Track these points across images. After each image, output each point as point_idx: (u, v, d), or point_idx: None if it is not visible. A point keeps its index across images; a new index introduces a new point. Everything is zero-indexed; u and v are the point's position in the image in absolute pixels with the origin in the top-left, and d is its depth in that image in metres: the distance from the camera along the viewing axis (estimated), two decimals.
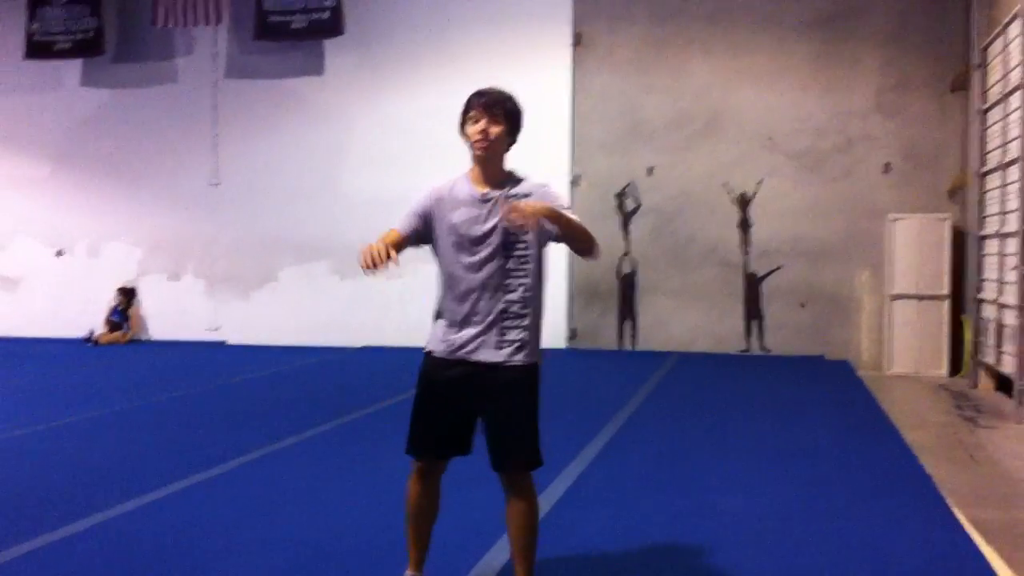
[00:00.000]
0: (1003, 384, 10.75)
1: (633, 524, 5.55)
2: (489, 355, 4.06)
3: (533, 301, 4.12)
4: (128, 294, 15.84)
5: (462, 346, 4.09)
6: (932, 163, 13.22)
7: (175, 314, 15.80)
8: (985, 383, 11.37)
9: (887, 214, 12.91)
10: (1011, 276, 10.08)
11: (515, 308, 4.07)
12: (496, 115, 4.07)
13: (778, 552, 5.08)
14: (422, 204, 4.18)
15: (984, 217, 11.72)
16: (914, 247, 12.71)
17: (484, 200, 4.05)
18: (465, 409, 4.16)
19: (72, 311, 15.93)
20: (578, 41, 14.21)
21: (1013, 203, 10.17)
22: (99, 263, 16.16)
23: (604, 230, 14.05)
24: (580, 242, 4.09)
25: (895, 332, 12.71)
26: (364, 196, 14.36)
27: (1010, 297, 10.13)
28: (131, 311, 15.81)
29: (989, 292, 11.29)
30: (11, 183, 16.41)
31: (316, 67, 15.24)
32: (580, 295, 14.25)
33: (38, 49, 15.71)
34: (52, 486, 6.43)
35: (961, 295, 12.49)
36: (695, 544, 5.21)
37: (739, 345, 13.75)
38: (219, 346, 15.20)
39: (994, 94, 11.35)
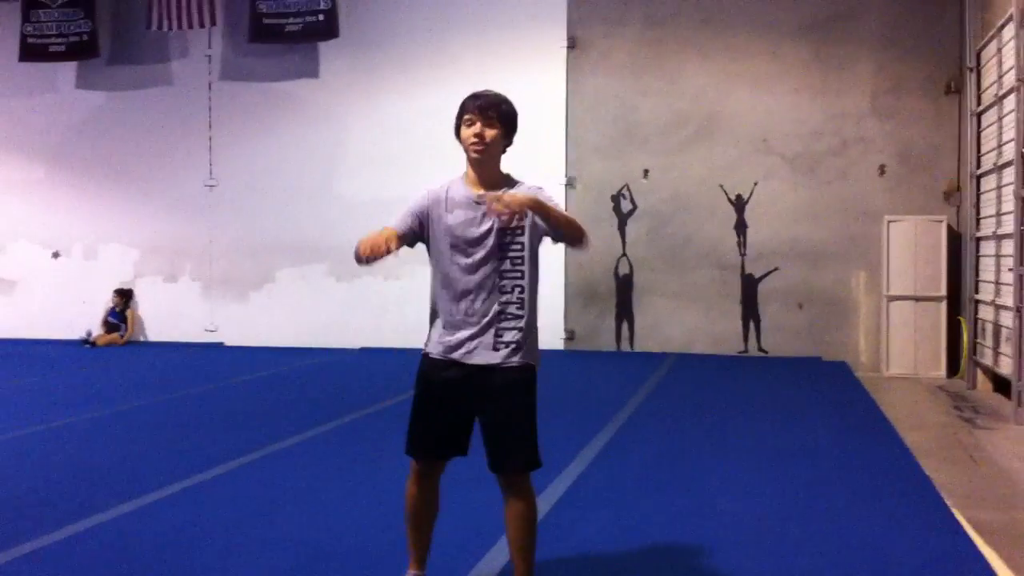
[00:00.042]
0: (1001, 385, 10.77)
1: (632, 525, 5.55)
2: (486, 357, 4.07)
3: (528, 302, 4.13)
4: (125, 296, 15.83)
5: (459, 348, 4.10)
6: (927, 165, 13.25)
7: (172, 316, 15.80)
8: (983, 384, 11.40)
9: (883, 216, 12.93)
10: (1008, 277, 10.10)
11: (511, 309, 4.08)
12: (491, 118, 4.08)
13: (777, 553, 5.09)
14: (419, 204, 4.19)
15: (980, 219, 11.75)
16: (910, 249, 12.73)
17: (480, 202, 4.05)
18: (463, 410, 4.17)
19: (69, 313, 15.93)
20: (573, 44, 14.21)
21: (1009, 205, 10.20)
22: (95, 265, 16.15)
23: (600, 232, 14.08)
24: (569, 232, 4.06)
25: (892, 333, 12.74)
26: (360, 198, 14.38)
27: (1007, 298, 10.15)
28: (128, 313, 15.79)
29: (986, 293, 11.31)
30: (7, 186, 16.39)
31: (311, 69, 15.24)
32: (577, 296, 14.26)
33: (33, 52, 15.68)
34: (51, 487, 6.42)
35: (958, 296, 12.51)
36: (694, 545, 5.21)
37: (737, 346, 13.76)
38: (217, 347, 15.19)
39: (989, 96, 11.38)
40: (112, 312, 15.78)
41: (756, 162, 13.71)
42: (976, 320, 11.72)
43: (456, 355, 4.10)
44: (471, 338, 4.08)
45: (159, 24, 14.95)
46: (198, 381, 11.56)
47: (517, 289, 4.09)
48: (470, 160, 4.14)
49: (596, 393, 10.70)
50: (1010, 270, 9.83)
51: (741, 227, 13.76)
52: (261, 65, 15.34)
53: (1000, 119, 10.77)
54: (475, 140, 4.06)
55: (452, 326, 4.12)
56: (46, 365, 13.26)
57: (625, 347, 14.13)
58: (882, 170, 13.34)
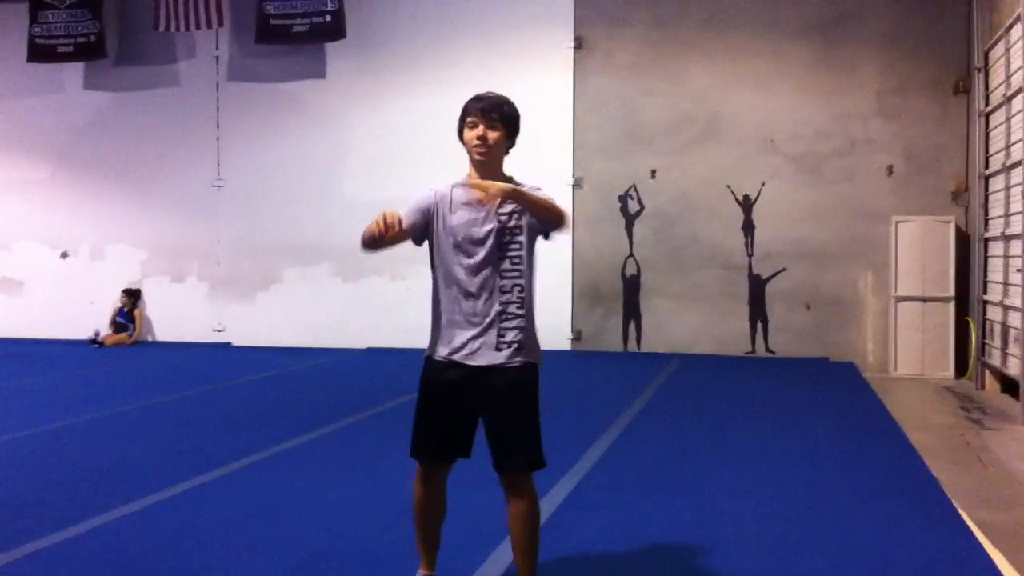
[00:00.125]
0: (1009, 386, 10.73)
1: (635, 525, 5.53)
2: (489, 357, 4.07)
3: (527, 300, 4.14)
4: (133, 296, 15.87)
5: (462, 349, 4.09)
6: (935, 166, 13.20)
7: (179, 316, 15.82)
8: (991, 385, 11.35)
9: (890, 216, 12.88)
10: (1016, 278, 10.06)
11: (511, 308, 4.09)
12: (494, 120, 4.08)
13: (781, 553, 5.06)
14: (425, 201, 4.18)
15: (988, 219, 11.71)
16: (918, 249, 12.69)
17: (482, 203, 4.04)
18: (466, 411, 4.17)
19: (76, 313, 15.97)
20: (579, 45, 14.19)
21: (1017, 205, 10.16)
22: (102, 265, 16.19)
23: (607, 232, 14.09)
24: (549, 215, 4.02)
25: (900, 334, 12.69)
26: (365, 199, 14.34)
27: (1015, 299, 10.10)
28: (136, 313, 15.82)
29: (994, 294, 11.27)
30: (14, 186, 16.43)
31: (318, 70, 15.24)
32: (584, 297, 14.24)
33: (40, 52, 15.72)
34: (53, 487, 6.42)
35: (966, 297, 12.46)
36: (697, 545, 5.19)
37: (743, 347, 13.73)
38: (224, 347, 15.21)
39: (996, 97, 11.35)
40: (120, 312, 15.81)
41: (762, 163, 13.68)
42: (984, 321, 11.67)
43: (459, 356, 4.10)
44: (474, 338, 4.08)
45: (166, 25, 14.96)
46: (203, 381, 11.57)
47: (516, 288, 4.10)
48: (473, 162, 4.14)
49: (601, 393, 10.68)
50: (1018, 271, 9.79)
51: (748, 227, 13.73)
52: (268, 66, 15.35)
53: (1008, 119, 10.73)
54: (478, 142, 4.07)
55: (455, 326, 4.12)
56: (53, 365, 13.28)
57: (632, 347, 14.11)
58: (890, 170, 13.30)
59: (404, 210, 4.12)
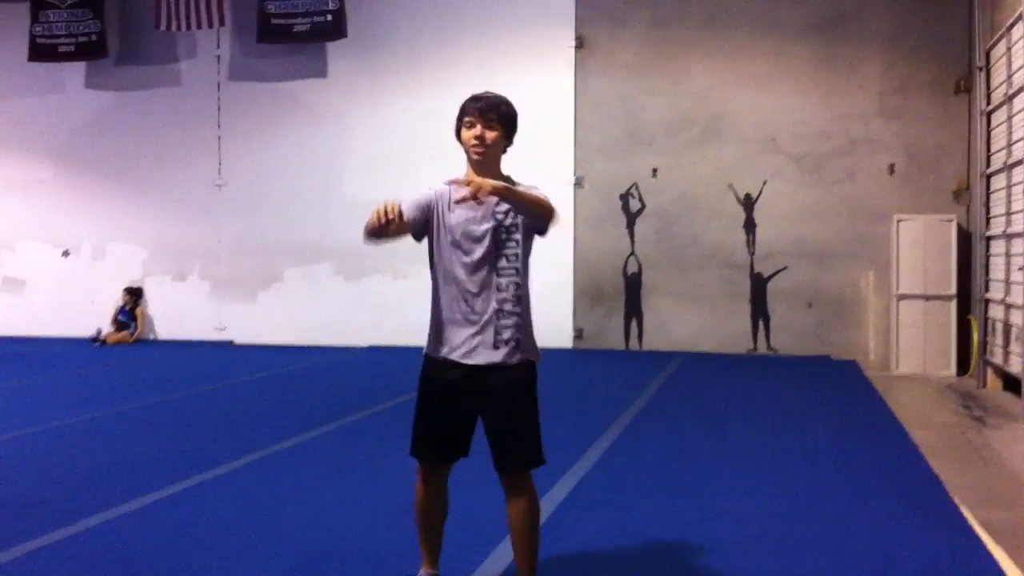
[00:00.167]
0: (1011, 384, 10.72)
1: (637, 526, 5.52)
2: (487, 356, 4.07)
3: (524, 298, 4.14)
4: (135, 294, 15.88)
5: (460, 348, 4.10)
6: (936, 165, 13.20)
7: (181, 315, 15.83)
8: (993, 383, 11.34)
9: (892, 215, 12.88)
10: (1018, 276, 10.05)
11: (508, 306, 4.09)
12: (492, 120, 4.08)
13: (783, 554, 5.05)
14: (425, 197, 4.19)
15: (990, 218, 11.70)
16: (920, 248, 12.68)
17: (480, 202, 4.03)
18: (465, 411, 4.18)
19: (77, 311, 15.99)
20: (580, 44, 14.19)
21: (1018, 204, 10.16)
22: (104, 264, 16.20)
23: (608, 231, 14.10)
24: (539, 211, 4.00)
25: (902, 332, 12.68)
26: (366, 198, 14.25)
27: (1017, 297, 10.09)
28: (138, 311, 15.83)
29: (996, 292, 11.26)
30: (16, 185, 16.45)
31: (319, 70, 15.24)
32: (585, 295, 14.24)
33: (41, 52, 15.72)
34: (54, 486, 6.41)
35: (968, 295, 12.45)
36: (699, 546, 5.17)
37: (745, 345, 13.72)
38: (226, 346, 15.21)
39: (998, 96, 11.33)
40: (122, 311, 15.83)
41: (763, 162, 13.67)
42: (986, 319, 11.65)
43: (457, 356, 4.10)
44: (472, 337, 4.08)
45: (167, 24, 14.96)
46: (204, 380, 11.57)
47: (513, 286, 4.10)
48: (470, 161, 4.15)
49: (602, 392, 10.67)
50: (1020, 269, 9.78)
51: (750, 226, 13.72)
52: (269, 65, 15.35)
53: (1010, 118, 10.72)
54: (476, 142, 4.07)
55: (453, 324, 4.12)
56: (55, 363, 13.29)
57: (633, 346, 14.11)
58: (891, 169, 13.29)
59: (405, 204, 4.11)
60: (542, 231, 4.12)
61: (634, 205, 14.09)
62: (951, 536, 5.33)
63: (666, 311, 14.02)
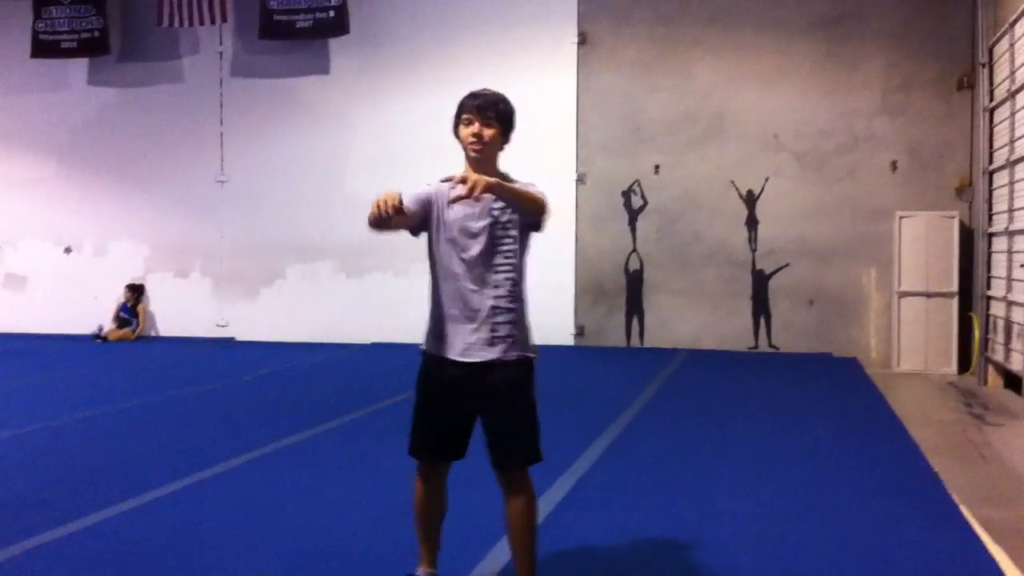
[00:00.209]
0: (1012, 381, 10.71)
1: (637, 525, 5.52)
2: (484, 352, 4.07)
3: (519, 295, 4.15)
4: (137, 291, 15.89)
5: (457, 344, 4.10)
6: (938, 161, 13.17)
7: (182, 312, 15.85)
8: (994, 380, 11.33)
9: (894, 212, 12.86)
10: (1020, 273, 10.04)
11: (504, 303, 4.09)
12: (489, 118, 4.10)
13: (783, 553, 5.05)
14: (426, 192, 4.20)
15: (992, 215, 11.68)
16: (922, 245, 12.66)
17: (477, 198, 4.03)
18: (464, 411, 4.19)
19: (79, 308, 16.00)
20: (583, 41, 14.17)
21: (1021, 201, 10.14)
22: (106, 261, 16.22)
23: (610, 229, 14.09)
24: (531, 206, 4.02)
25: (903, 329, 12.67)
26: (368, 195, 14.22)
27: (1019, 294, 10.08)
28: (139, 308, 15.84)
29: (997, 289, 11.24)
30: (18, 182, 16.46)
31: (321, 66, 15.24)
32: (587, 293, 14.23)
33: (44, 48, 15.74)
34: (54, 484, 6.42)
35: (970, 292, 12.44)
36: (699, 546, 5.17)
37: (747, 343, 13.72)
38: (227, 343, 15.23)
39: (1001, 92, 11.31)
40: (123, 307, 15.85)
41: (766, 160, 13.66)
42: (987, 316, 11.64)
43: (454, 354, 4.11)
44: (469, 333, 4.09)
45: (169, 21, 14.96)
46: (206, 378, 11.57)
47: (509, 283, 4.11)
48: (468, 158, 4.15)
49: (603, 390, 10.67)
50: (1022, 266, 9.77)
51: (752, 223, 13.71)
52: (272, 62, 15.34)
53: (1012, 115, 10.71)
54: (473, 140, 4.09)
55: (450, 320, 4.13)
56: (57, 360, 13.30)
57: (635, 343, 14.10)
58: (894, 166, 13.27)
59: (406, 197, 4.10)
60: (537, 226, 4.13)
61: (636, 202, 14.08)
62: (950, 535, 5.33)
63: (667, 308, 14.01)
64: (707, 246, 13.86)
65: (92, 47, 15.60)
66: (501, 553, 4.78)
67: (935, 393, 10.93)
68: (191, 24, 14.95)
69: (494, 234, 4.08)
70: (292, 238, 15.34)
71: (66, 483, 6.47)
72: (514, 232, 4.10)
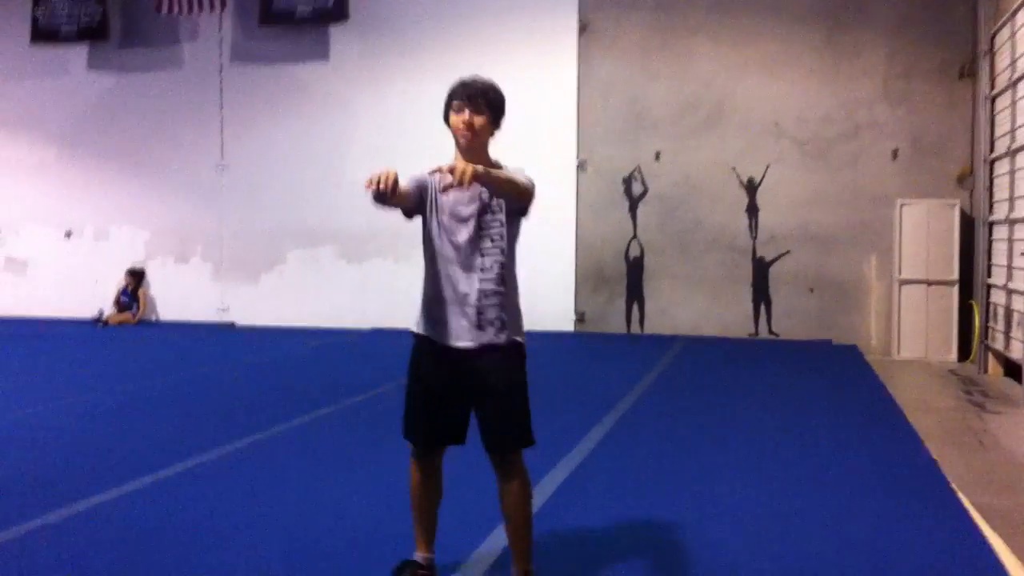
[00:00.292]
0: (1012, 370, 10.72)
1: (633, 512, 5.52)
2: (474, 337, 4.08)
3: (508, 279, 4.14)
4: (137, 276, 15.92)
5: (446, 328, 4.11)
6: (940, 150, 13.16)
7: (183, 296, 15.87)
8: (994, 368, 11.34)
9: (895, 200, 12.86)
10: (1020, 262, 10.04)
11: (492, 286, 4.09)
12: (480, 105, 4.08)
13: (782, 540, 5.06)
14: (422, 175, 4.19)
15: (993, 203, 11.67)
16: (923, 233, 12.66)
17: (458, 186, 4.02)
18: (456, 399, 4.18)
19: (80, 293, 16.02)
20: (584, 28, 14.15)
21: (1022, 189, 10.13)
22: (107, 246, 16.24)
23: (611, 215, 14.09)
24: (514, 191, 4.00)
25: (904, 317, 12.68)
26: None
27: (1019, 283, 10.08)
28: (140, 292, 15.86)
29: (998, 277, 11.24)
30: (19, 168, 16.48)
31: (321, 53, 15.22)
32: (587, 279, 14.23)
33: (44, 34, 15.73)
34: (53, 467, 6.43)
35: (970, 280, 12.44)
36: (696, 534, 5.18)
37: (747, 329, 13.72)
38: (228, 328, 15.24)
39: (1002, 81, 11.29)
40: (124, 292, 15.88)
41: (767, 147, 13.64)
42: (988, 304, 11.65)
43: (445, 337, 4.11)
44: (458, 317, 4.09)
45: (168, 8, 14.92)
46: (206, 362, 11.59)
47: (497, 266, 4.11)
48: (458, 146, 4.14)
49: (603, 377, 10.64)
50: (1022, 254, 9.76)
51: (753, 210, 13.71)
52: (272, 48, 15.33)
53: (1014, 103, 10.69)
54: (463, 127, 4.08)
55: (440, 304, 4.13)
56: (58, 344, 13.32)
57: (635, 330, 14.11)
58: (895, 154, 13.26)
59: (404, 178, 4.09)
60: (523, 211, 4.13)
61: (637, 189, 14.07)
62: (948, 522, 5.34)
63: (668, 295, 14.02)
64: (708, 233, 13.86)
65: (92, 33, 15.60)
66: (499, 537, 4.78)
67: (935, 381, 10.94)
68: (189, 12, 14.88)
69: (483, 219, 4.08)
70: (292, 224, 15.34)
71: (65, 466, 6.48)
72: (501, 216, 4.10)
